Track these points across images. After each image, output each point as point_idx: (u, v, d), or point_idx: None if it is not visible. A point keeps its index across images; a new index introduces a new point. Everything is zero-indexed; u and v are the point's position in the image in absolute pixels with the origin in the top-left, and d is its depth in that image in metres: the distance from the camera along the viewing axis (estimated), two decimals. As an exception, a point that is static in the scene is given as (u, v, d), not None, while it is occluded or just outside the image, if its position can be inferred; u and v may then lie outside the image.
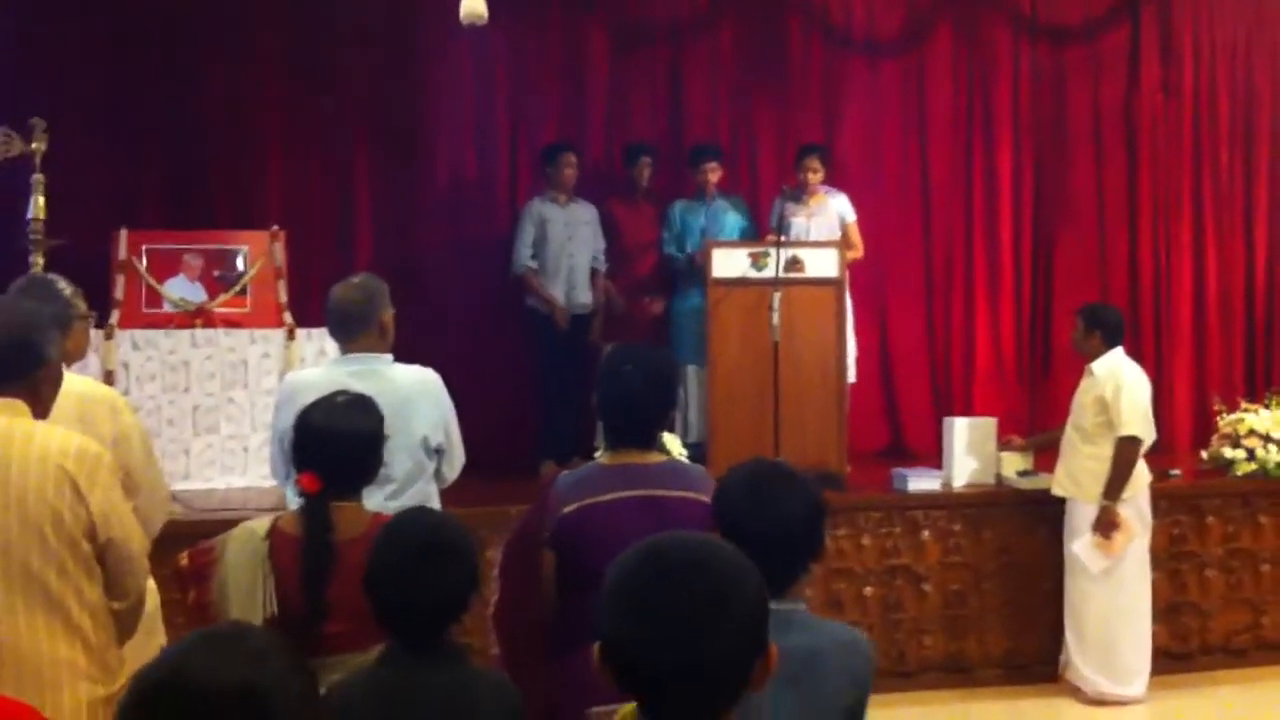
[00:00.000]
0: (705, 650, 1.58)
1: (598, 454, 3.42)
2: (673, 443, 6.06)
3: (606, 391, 3.23)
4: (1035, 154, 8.59)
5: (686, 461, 3.87)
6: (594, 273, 7.34)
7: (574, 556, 3.11)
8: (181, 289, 6.64)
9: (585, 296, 7.28)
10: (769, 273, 6.51)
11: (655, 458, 3.25)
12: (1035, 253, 8.60)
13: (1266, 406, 6.81)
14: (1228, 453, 6.67)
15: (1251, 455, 6.61)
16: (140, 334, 6.38)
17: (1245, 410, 6.80)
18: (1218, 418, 6.93)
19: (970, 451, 6.48)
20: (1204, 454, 6.88)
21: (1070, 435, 6.18)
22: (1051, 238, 8.60)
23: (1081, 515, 6.06)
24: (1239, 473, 6.62)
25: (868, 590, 6.10)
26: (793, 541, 2.48)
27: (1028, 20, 8.57)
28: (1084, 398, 6.16)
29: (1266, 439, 6.64)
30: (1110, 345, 6.15)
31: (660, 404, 3.25)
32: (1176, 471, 6.76)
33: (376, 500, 3.30)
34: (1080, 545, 6.04)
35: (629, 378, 3.18)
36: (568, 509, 3.12)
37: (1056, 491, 6.18)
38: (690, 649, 1.57)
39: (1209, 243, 8.66)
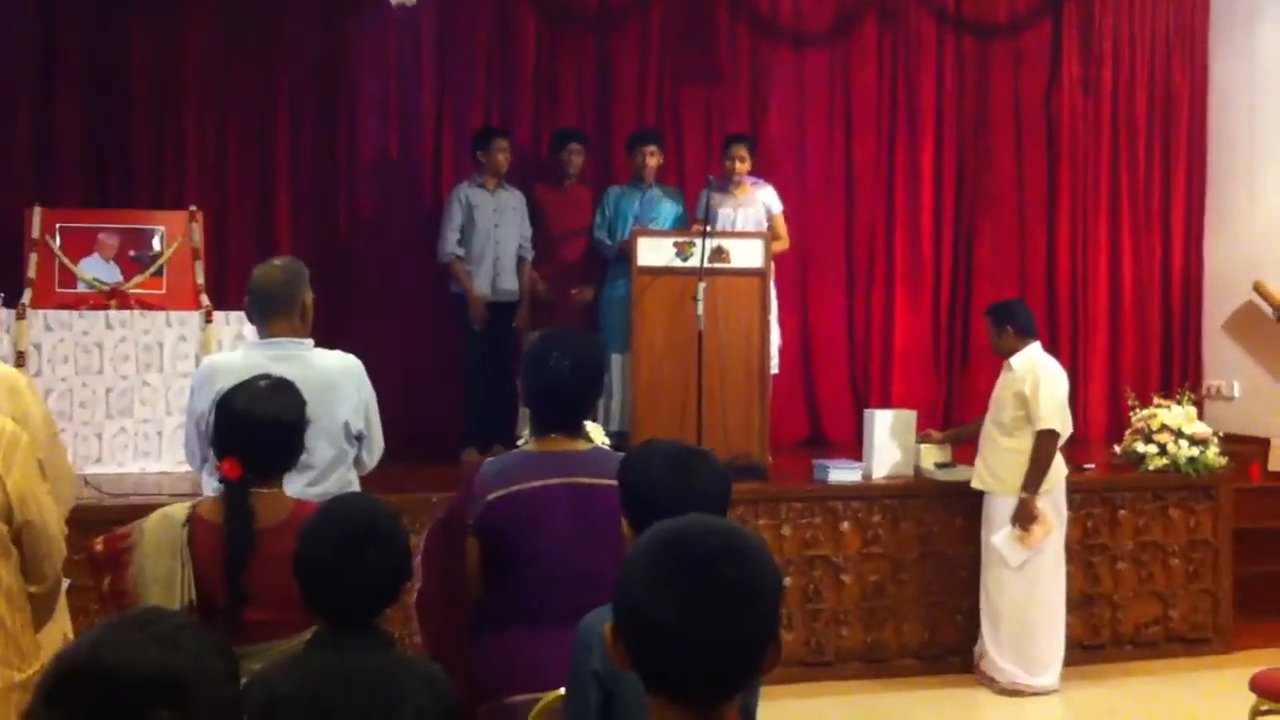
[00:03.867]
0: (737, 638, 1.61)
1: (522, 440, 3.40)
2: (596, 431, 6.05)
3: (533, 377, 3.21)
4: (957, 147, 8.69)
5: (610, 449, 3.86)
6: (520, 260, 7.29)
7: (499, 543, 3.10)
8: (96, 269, 6.50)
9: (511, 284, 7.23)
10: (694, 262, 6.51)
11: (581, 445, 3.25)
12: (955, 245, 8.70)
13: (1179, 402, 6.94)
14: (1140, 447, 6.79)
15: (1163, 450, 6.73)
16: (53, 314, 6.24)
17: (1158, 405, 6.93)
18: (1130, 412, 7.05)
19: (890, 443, 6.55)
20: (1117, 448, 7.00)
21: (989, 429, 6.26)
22: (972, 230, 8.70)
23: (1000, 508, 6.14)
24: (1151, 467, 6.74)
25: (787, 580, 6.12)
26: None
27: (952, 15, 8.65)
28: (1003, 393, 6.24)
29: (1178, 434, 6.76)
30: (1024, 337, 6.23)
31: (588, 390, 3.24)
32: (1090, 465, 6.89)
33: (297, 487, 3.26)
34: (1000, 538, 6.12)
35: (557, 364, 3.16)
36: (493, 495, 3.10)
37: (976, 485, 6.26)
38: (724, 637, 1.60)
39: (1125, 238, 8.81)
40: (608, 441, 6.05)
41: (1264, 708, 4.79)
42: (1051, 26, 8.75)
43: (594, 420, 6.01)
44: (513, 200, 7.28)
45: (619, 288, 7.09)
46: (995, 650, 6.16)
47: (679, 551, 1.64)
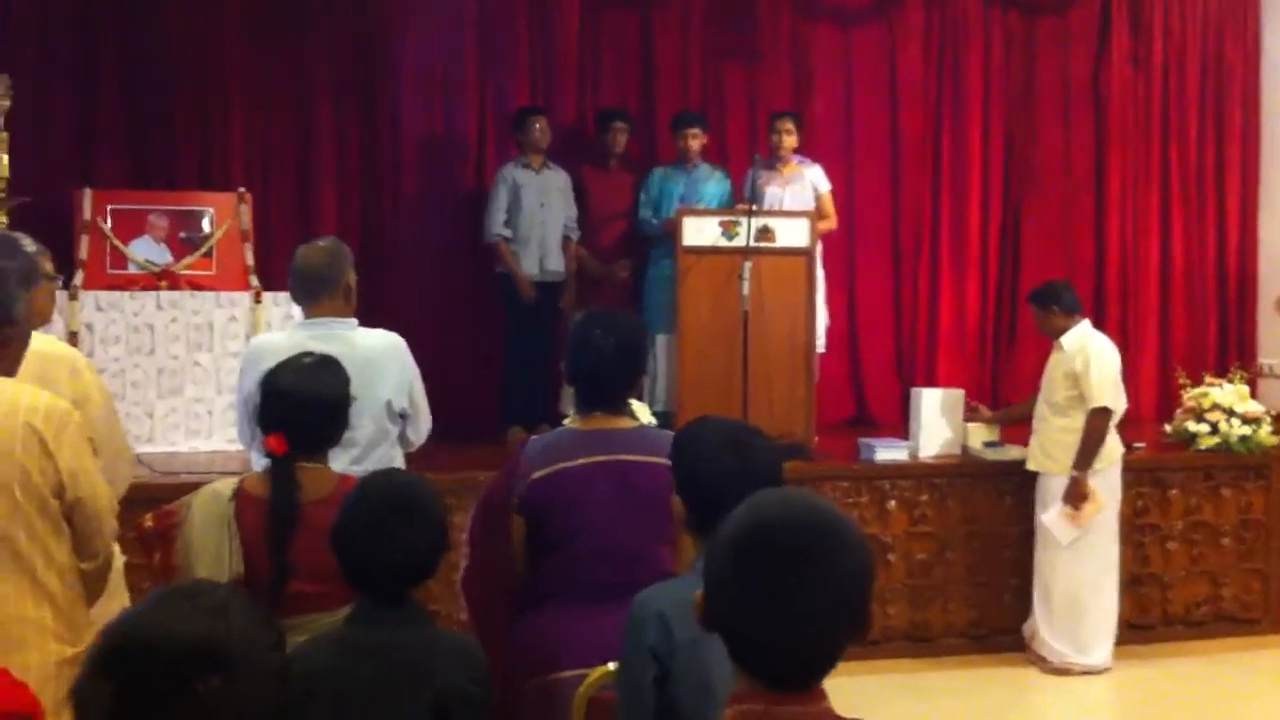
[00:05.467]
0: (826, 630, 1.62)
1: (567, 419, 3.41)
2: (642, 410, 6.05)
3: (577, 356, 3.22)
4: (1004, 125, 8.59)
5: (656, 428, 3.86)
6: (566, 240, 7.30)
7: (544, 521, 3.11)
8: (146, 250, 6.57)
9: (557, 264, 7.24)
10: (740, 241, 6.50)
11: (625, 423, 3.25)
12: (1003, 224, 8.62)
13: (1231, 381, 6.86)
14: (1191, 426, 6.72)
15: (1215, 429, 6.66)
16: (104, 295, 6.31)
17: (1210, 384, 6.85)
18: (1181, 391, 6.97)
19: (937, 422, 6.51)
20: (1168, 427, 6.92)
21: (1042, 409, 6.21)
22: (1019, 209, 8.61)
23: (1053, 488, 6.09)
24: (1202, 446, 6.67)
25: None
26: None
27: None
28: (1054, 372, 6.18)
29: (1230, 413, 6.68)
30: (1071, 316, 6.18)
31: (630, 369, 3.25)
32: (1141, 444, 6.82)
33: (340, 464, 3.28)
34: (1050, 516, 6.08)
35: (599, 342, 3.17)
36: (538, 474, 3.11)
37: (1030, 466, 6.21)
38: (811, 629, 1.61)
39: (1177, 215, 8.69)
40: (654, 420, 6.05)
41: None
42: (1100, 2, 8.63)
43: (640, 399, 6.01)
44: (558, 180, 7.28)
45: (664, 268, 7.07)
46: (1046, 629, 6.12)
47: (771, 538, 1.63)
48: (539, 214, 7.16)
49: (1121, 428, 6.26)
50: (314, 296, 3.82)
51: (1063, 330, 6.17)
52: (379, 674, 2.31)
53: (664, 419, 6.50)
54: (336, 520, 2.48)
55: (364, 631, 2.39)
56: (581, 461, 3.13)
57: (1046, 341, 6.29)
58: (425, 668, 2.34)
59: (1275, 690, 4.99)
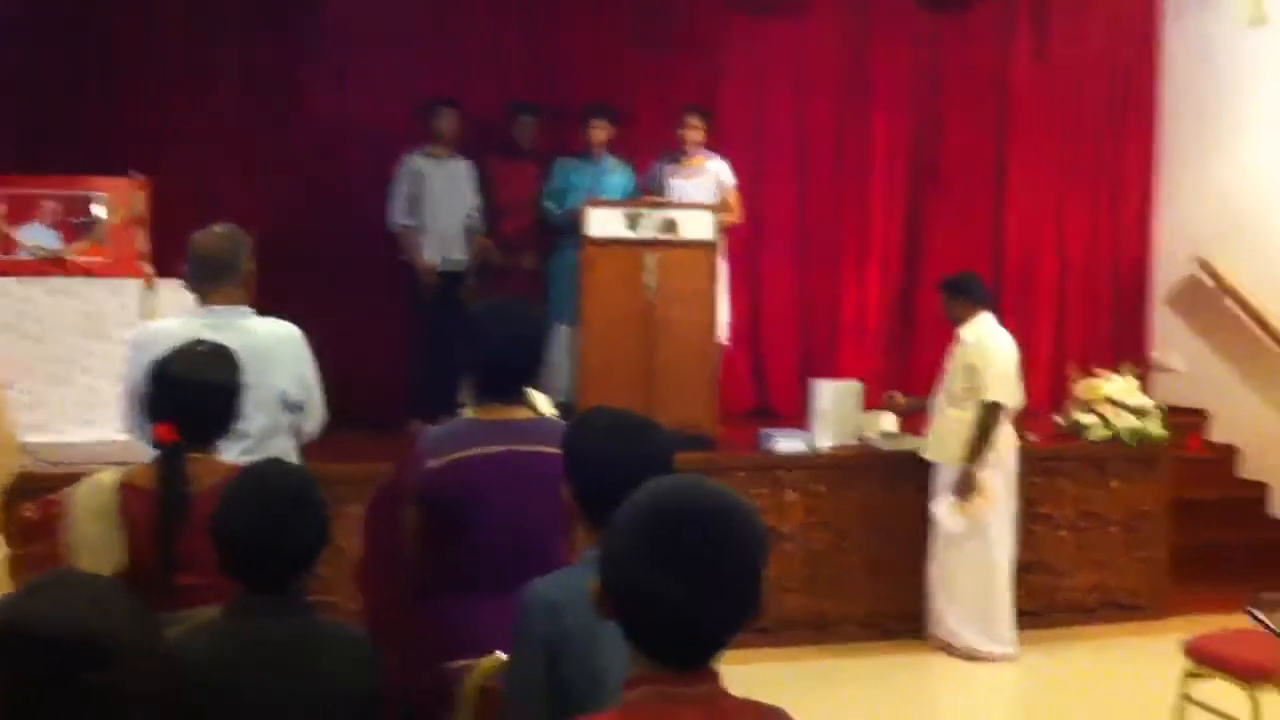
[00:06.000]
0: (733, 603, 1.66)
1: (465, 410, 3.40)
2: (543, 402, 6.03)
3: (474, 347, 3.21)
4: (911, 121, 8.72)
5: (557, 419, 3.86)
6: (468, 230, 7.26)
7: (439, 511, 3.10)
8: (37, 235, 6.40)
9: (459, 254, 7.20)
10: (644, 233, 6.51)
11: (523, 413, 3.25)
12: (907, 219, 8.74)
13: (1121, 374, 7.02)
14: (1082, 418, 6.88)
15: (1104, 421, 6.82)
16: (-8, 281, 6.15)
17: (1101, 377, 7.01)
18: (1073, 384, 7.13)
19: (835, 413, 6.59)
20: (1059, 419, 7.07)
21: (940, 400, 6.32)
22: (923, 204, 8.75)
23: (946, 477, 6.20)
24: (1092, 437, 6.83)
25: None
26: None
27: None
28: (954, 364, 6.29)
29: (1119, 405, 6.85)
30: (975, 307, 6.28)
31: (528, 360, 3.25)
32: (1033, 436, 6.95)
33: (232, 455, 3.23)
34: (940, 507, 6.18)
35: (497, 333, 3.17)
36: (434, 463, 3.10)
37: (926, 455, 6.31)
38: (721, 602, 1.65)
39: (1075, 211, 8.88)
40: (555, 413, 6.03)
41: (1196, 672, 4.87)
42: (1005, 2, 8.77)
43: (541, 390, 5.98)
44: (462, 170, 7.24)
45: (568, 258, 7.07)
46: (953, 617, 6.23)
47: (672, 518, 1.66)
48: (442, 203, 7.13)
49: (1020, 420, 6.38)
50: (210, 283, 3.75)
51: (964, 320, 6.27)
52: (260, 665, 2.29)
53: (566, 410, 6.48)
54: (216, 509, 2.45)
55: (243, 623, 2.37)
56: (478, 451, 3.12)
57: (947, 334, 6.40)
58: (307, 658, 2.32)
59: (1159, 675, 5.11)
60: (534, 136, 7.59)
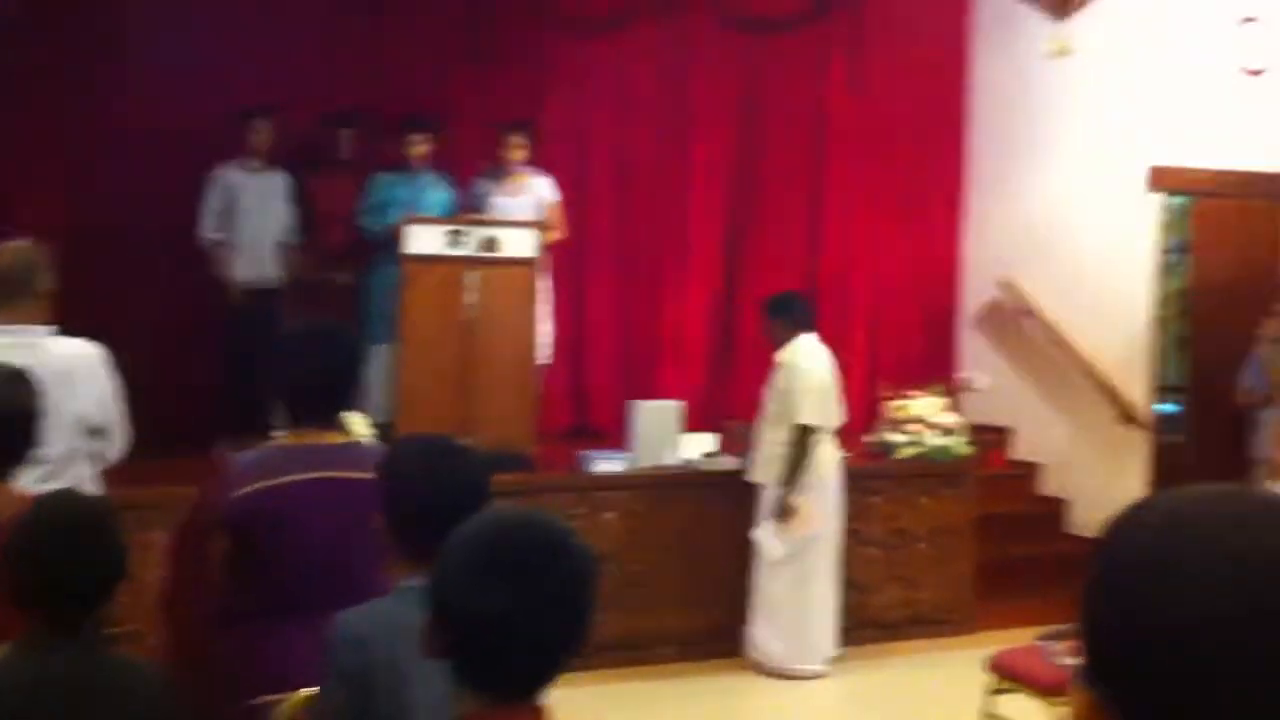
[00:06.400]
0: (568, 625, 1.70)
1: (276, 434, 3.32)
2: (360, 423, 5.94)
3: (285, 369, 3.14)
4: (730, 141, 8.81)
5: (366, 441, 3.80)
6: (282, 245, 7.10)
7: (249, 539, 3.02)
8: None
9: (272, 269, 7.03)
10: (464, 250, 6.47)
11: (335, 438, 3.19)
12: (727, 239, 8.85)
13: (929, 393, 7.24)
14: (891, 436, 7.08)
15: (913, 439, 7.03)
16: None
17: (909, 396, 7.22)
18: (883, 403, 7.33)
19: (655, 434, 6.63)
20: (870, 438, 7.26)
21: (761, 422, 6.40)
22: (743, 225, 8.87)
23: (766, 500, 6.30)
24: (901, 456, 7.03)
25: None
26: (466, 513, 2.49)
27: (728, 10, 8.77)
28: (772, 386, 6.39)
29: (927, 424, 7.07)
30: (794, 330, 6.38)
31: (339, 382, 3.19)
32: (846, 454, 7.11)
33: (28, 483, 3.09)
34: (758, 530, 6.27)
35: (307, 354, 3.11)
36: (243, 490, 3.03)
37: (750, 477, 6.39)
38: (555, 625, 1.69)
39: (889, 234, 9.08)
40: (373, 434, 5.94)
41: (999, 687, 5.05)
42: (823, 26, 8.96)
43: (358, 411, 5.89)
44: (276, 183, 7.08)
45: (386, 275, 6.96)
46: (766, 636, 6.32)
47: (507, 544, 1.70)
48: (255, 217, 6.96)
49: (844, 440, 6.52)
50: (4, 302, 3.60)
51: (783, 342, 6.37)
52: (51, 703, 2.20)
53: (384, 431, 6.39)
54: (7, 540, 2.34)
55: (34, 658, 2.27)
56: (289, 478, 3.05)
57: (768, 355, 6.48)
58: (101, 696, 2.24)
59: (966, 690, 5.28)
60: (353, 149, 7.46)
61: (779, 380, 6.32)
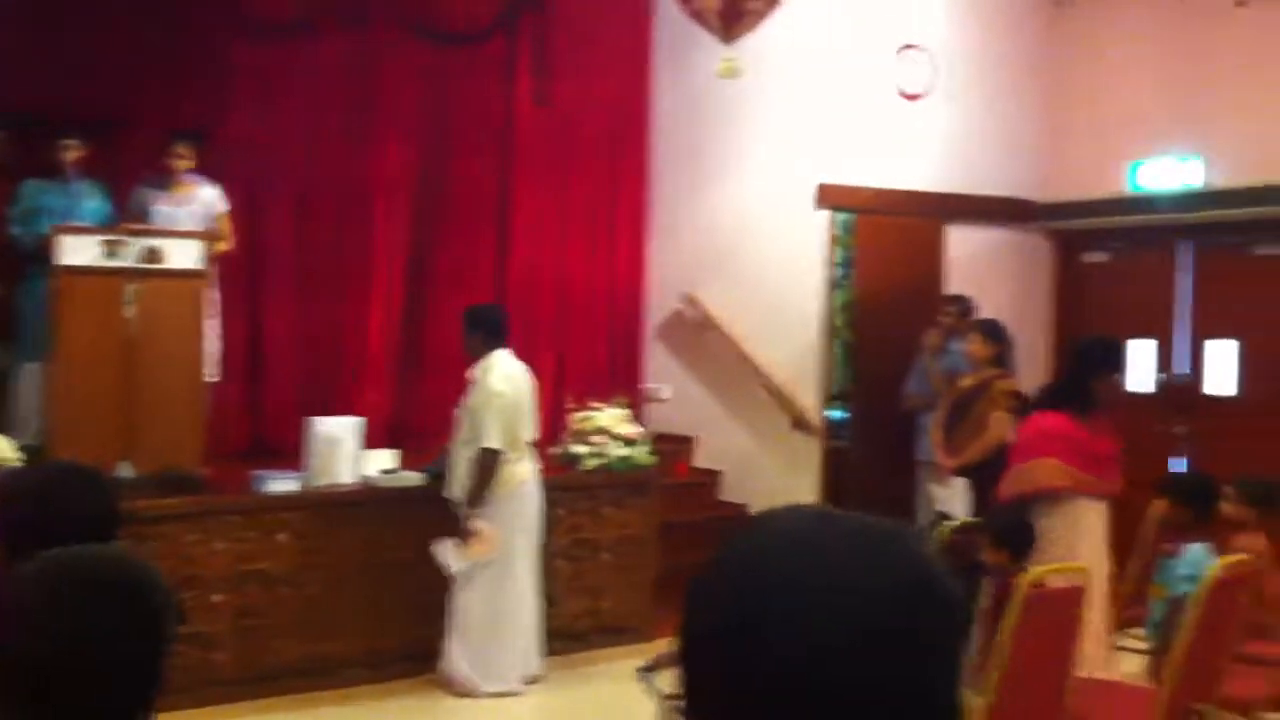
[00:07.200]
0: (126, 660, 1.65)
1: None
2: (6, 445, 5.55)
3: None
4: (416, 152, 8.65)
5: (10, 465, 3.52)
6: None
7: None
8: None
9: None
10: (123, 261, 6.12)
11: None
12: (413, 251, 8.67)
13: (613, 405, 7.33)
14: (576, 448, 7.12)
15: (597, 451, 7.09)
16: None
17: (593, 408, 7.28)
18: (569, 415, 7.37)
19: (333, 451, 6.44)
20: (555, 450, 7.28)
21: (455, 439, 6.31)
22: (430, 238, 8.73)
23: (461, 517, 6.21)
24: (586, 467, 7.08)
25: (217, 598, 5.87)
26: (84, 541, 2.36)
27: (417, 21, 8.62)
28: (463, 404, 6.32)
29: (611, 435, 7.14)
30: (491, 345, 6.32)
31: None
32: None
33: None
34: (439, 546, 6.17)
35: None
36: None
37: (448, 493, 6.28)
38: (114, 660, 1.63)
39: (576, 248, 9.12)
40: (20, 456, 5.55)
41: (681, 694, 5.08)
42: (509, 40, 8.92)
43: (5, 433, 5.49)
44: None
45: (39, 288, 6.51)
46: (455, 654, 6.22)
47: (68, 579, 1.63)
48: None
49: (541, 452, 6.48)
50: None
51: (479, 356, 6.31)
52: None
53: (35, 453, 5.98)
54: None
55: None
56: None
57: (455, 368, 6.39)
58: None
59: (643, 697, 5.32)
60: (4, 153, 6.94)
61: (470, 397, 6.25)
